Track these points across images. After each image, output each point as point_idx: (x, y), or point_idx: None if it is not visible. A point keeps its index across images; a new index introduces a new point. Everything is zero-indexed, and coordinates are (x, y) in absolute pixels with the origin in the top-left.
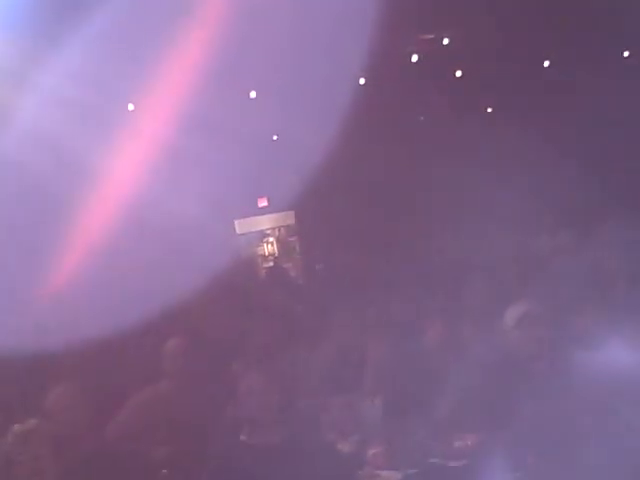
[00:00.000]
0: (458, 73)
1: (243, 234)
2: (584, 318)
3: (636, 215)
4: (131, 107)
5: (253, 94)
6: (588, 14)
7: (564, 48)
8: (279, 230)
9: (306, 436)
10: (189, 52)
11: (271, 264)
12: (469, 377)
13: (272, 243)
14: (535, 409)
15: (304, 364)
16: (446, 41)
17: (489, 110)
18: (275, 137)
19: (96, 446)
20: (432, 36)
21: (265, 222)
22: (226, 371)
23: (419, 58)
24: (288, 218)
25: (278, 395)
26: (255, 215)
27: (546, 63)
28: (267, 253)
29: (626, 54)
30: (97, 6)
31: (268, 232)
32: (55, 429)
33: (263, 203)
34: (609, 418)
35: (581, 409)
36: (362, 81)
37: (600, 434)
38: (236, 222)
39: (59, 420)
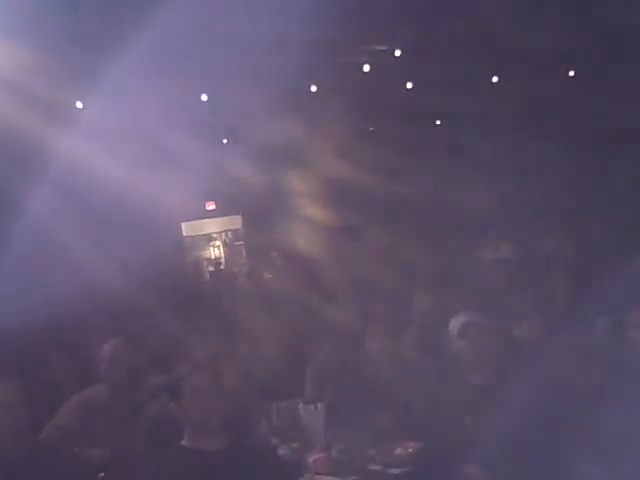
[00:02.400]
0: (409, 84)
1: (190, 236)
2: (526, 327)
3: (578, 229)
4: (80, 105)
5: (204, 97)
6: (534, 29)
7: (512, 63)
8: (226, 234)
9: (248, 441)
10: (139, 52)
11: (217, 267)
12: (410, 384)
13: (219, 247)
14: (476, 417)
15: (246, 368)
16: (398, 53)
17: (437, 122)
18: (225, 141)
19: (31, 448)
20: (384, 47)
21: (212, 226)
22: (168, 373)
23: (371, 68)
24: (235, 222)
25: (223, 399)
26: (202, 218)
27: (494, 79)
28: (213, 257)
29: (571, 73)
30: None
31: (215, 236)
32: None
33: (211, 206)
34: (552, 426)
35: (523, 418)
36: (314, 88)
37: (543, 443)
38: (183, 224)
39: None
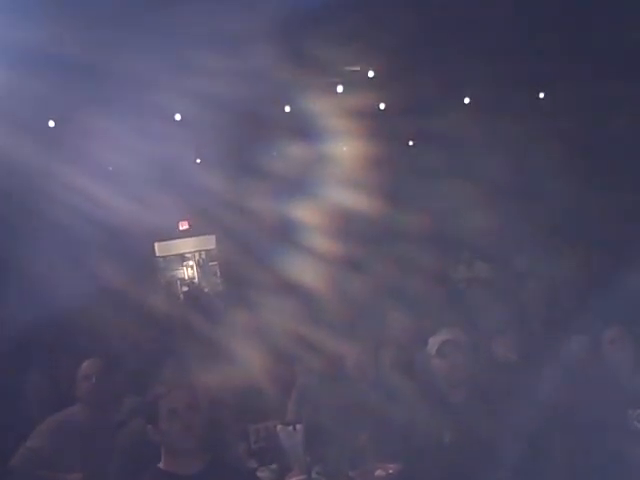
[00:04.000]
0: (382, 105)
1: (162, 256)
2: (502, 345)
3: (551, 246)
4: (52, 124)
5: (178, 117)
6: (501, 50)
7: (484, 84)
8: (200, 254)
9: (225, 463)
10: (112, 71)
11: (190, 287)
12: (389, 405)
13: (192, 267)
14: (455, 437)
15: (223, 389)
16: (371, 74)
17: (410, 143)
18: (198, 160)
19: (4, 472)
20: (357, 68)
21: (185, 245)
22: (142, 394)
23: (344, 89)
24: (209, 242)
25: (199, 420)
26: (175, 238)
27: (466, 100)
28: (187, 277)
29: (541, 95)
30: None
31: (188, 256)
32: None
33: (184, 226)
34: (531, 444)
35: (502, 436)
36: (287, 109)
37: (522, 461)
38: (156, 244)
39: None
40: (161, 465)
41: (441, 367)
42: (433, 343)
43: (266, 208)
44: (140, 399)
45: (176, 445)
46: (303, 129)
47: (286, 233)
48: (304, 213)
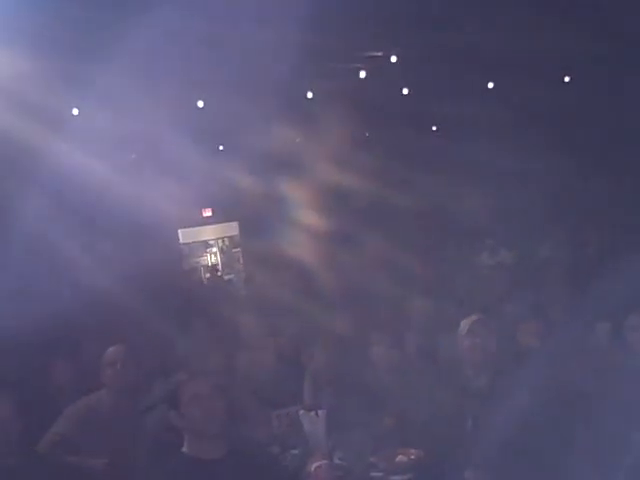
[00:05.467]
0: (405, 90)
1: (186, 243)
2: (525, 332)
3: (575, 232)
4: (75, 112)
5: (200, 104)
6: (529, 35)
7: (507, 68)
8: (223, 241)
9: (248, 449)
10: (136, 59)
11: (213, 274)
12: (411, 390)
13: (215, 254)
14: (477, 423)
15: (246, 375)
16: (394, 59)
17: (434, 128)
18: (221, 147)
19: (21, 463)
20: (380, 53)
21: (209, 232)
22: (166, 380)
23: (367, 74)
24: (232, 229)
25: (222, 405)
26: (199, 225)
27: (490, 84)
28: (210, 263)
29: (567, 79)
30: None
31: (212, 242)
32: None
33: (207, 213)
34: (553, 431)
35: (524, 422)
36: (310, 95)
37: (543, 448)
38: (180, 231)
39: None
40: (185, 449)
41: (471, 346)
42: (465, 323)
43: (290, 194)
44: (164, 385)
45: (199, 430)
46: (325, 115)
47: (309, 218)
48: (328, 199)
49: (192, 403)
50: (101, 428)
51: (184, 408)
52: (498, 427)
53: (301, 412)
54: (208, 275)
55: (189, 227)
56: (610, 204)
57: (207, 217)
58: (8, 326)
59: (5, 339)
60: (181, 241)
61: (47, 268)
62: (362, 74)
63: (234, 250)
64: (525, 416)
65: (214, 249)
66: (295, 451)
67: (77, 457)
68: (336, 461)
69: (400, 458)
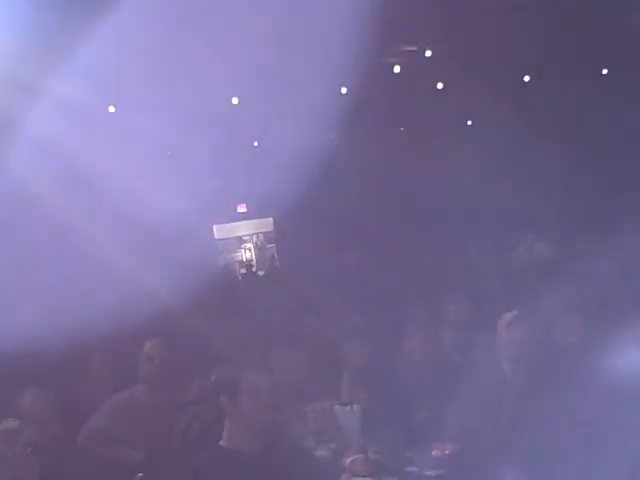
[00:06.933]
0: (439, 85)
1: (221, 239)
2: (562, 329)
3: (613, 229)
4: (112, 109)
5: (235, 100)
6: (566, 30)
7: (544, 63)
8: (257, 236)
9: (284, 442)
10: (170, 56)
11: (248, 270)
12: (447, 385)
13: (250, 249)
14: (514, 418)
15: (282, 369)
16: (428, 53)
17: (469, 123)
18: (256, 144)
19: (71, 451)
20: (414, 48)
21: (243, 228)
22: (203, 375)
23: (401, 69)
24: (267, 225)
25: (274, 400)
26: (234, 221)
27: (526, 78)
28: (244, 259)
29: (605, 71)
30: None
31: (246, 238)
32: (31, 432)
33: (242, 209)
34: (591, 430)
35: (563, 420)
36: (344, 90)
37: (582, 447)
38: (214, 227)
39: (35, 424)
40: (222, 442)
41: (509, 341)
42: (504, 318)
43: (324, 189)
44: (215, 377)
45: (248, 421)
46: (359, 111)
47: (344, 214)
48: (365, 194)
49: (251, 394)
50: (138, 422)
51: (242, 398)
52: (535, 423)
53: (336, 407)
54: (244, 271)
55: (224, 223)
56: None
57: (242, 212)
58: (47, 323)
59: (43, 336)
60: (216, 237)
61: (87, 266)
62: (397, 69)
63: (268, 246)
64: (565, 414)
65: (248, 245)
66: (331, 445)
67: (114, 450)
68: (371, 455)
69: (435, 452)
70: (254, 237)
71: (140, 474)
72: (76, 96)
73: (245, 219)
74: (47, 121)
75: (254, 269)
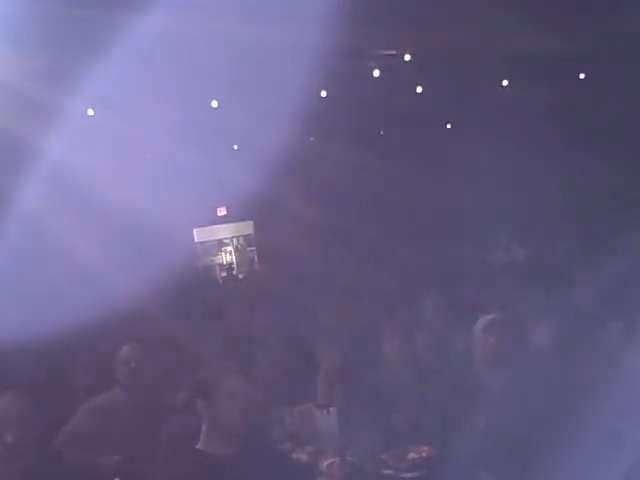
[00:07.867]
0: (419, 89)
1: (201, 242)
2: (538, 331)
3: (592, 232)
4: (91, 112)
5: (214, 103)
6: (542, 34)
7: (521, 67)
8: (238, 239)
9: (261, 445)
10: (150, 59)
11: (229, 272)
12: (423, 388)
13: (230, 252)
14: (490, 420)
15: (259, 373)
16: (408, 57)
17: (448, 126)
18: (236, 147)
19: (48, 454)
20: (394, 52)
21: (224, 231)
22: (181, 379)
23: (381, 73)
24: (247, 228)
25: (252, 404)
26: (214, 224)
27: (505, 82)
28: (225, 262)
29: (582, 76)
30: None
31: (226, 241)
32: (8, 435)
33: (222, 212)
34: (567, 430)
35: (539, 421)
36: (324, 94)
37: (558, 447)
38: (195, 230)
39: (11, 426)
40: (200, 446)
41: (486, 344)
42: (482, 321)
43: (304, 194)
44: (192, 381)
45: (224, 426)
46: (340, 114)
47: (322, 219)
48: (342, 198)
49: (228, 399)
50: (115, 426)
51: (218, 403)
52: (509, 425)
53: (313, 409)
54: (224, 274)
55: (204, 226)
56: (627, 200)
57: (222, 216)
58: (25, 326)
59: (22, 339)
60: (196, 240)
61: (63, 268)
62: (376, 72)
63: (249, 249)
64: (541, 415)
65: (229, 248)
66: (308, 448)
67: (91, 454)
68: (348, 458)
69: (411, 455)
70: (234, 240)
71: (116, 479)
72: (56, 99)
73: (225, 222)
74: (26, 124)
75: (234, 272)
